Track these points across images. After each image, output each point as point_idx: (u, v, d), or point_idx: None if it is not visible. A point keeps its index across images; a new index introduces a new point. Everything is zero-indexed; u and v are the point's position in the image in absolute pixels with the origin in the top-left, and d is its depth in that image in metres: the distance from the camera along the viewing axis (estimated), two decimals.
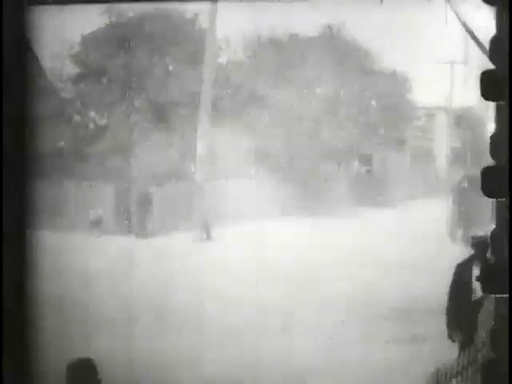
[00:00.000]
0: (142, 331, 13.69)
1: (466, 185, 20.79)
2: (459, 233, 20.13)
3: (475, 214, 20.28)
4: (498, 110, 4.87)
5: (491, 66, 4.83)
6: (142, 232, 19.97)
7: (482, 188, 4.68)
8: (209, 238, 19.89)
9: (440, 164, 23.10)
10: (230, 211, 19.84)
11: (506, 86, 4.74)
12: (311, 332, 13.62)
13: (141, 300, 14.90)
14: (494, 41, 4.85)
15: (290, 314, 14.38)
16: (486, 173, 4.65)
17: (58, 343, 11.80)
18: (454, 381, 9.55)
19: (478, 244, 11.27)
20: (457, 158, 22.60)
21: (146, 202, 20.33)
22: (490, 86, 4.74)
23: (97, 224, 20.08)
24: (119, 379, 11.38)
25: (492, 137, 4.88)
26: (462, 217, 20.24)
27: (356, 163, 23.30)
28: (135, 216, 20.15)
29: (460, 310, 11.14)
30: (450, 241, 19.62)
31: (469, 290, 10.80)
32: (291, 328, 14.03)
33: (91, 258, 16.81)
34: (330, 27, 22.07)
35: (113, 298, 14.97)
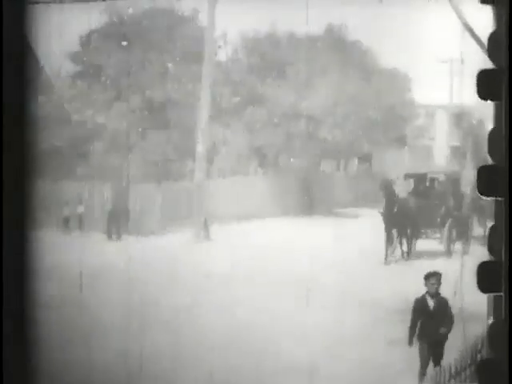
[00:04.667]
0: (141, 331, 13.67)
1: (406, 185, 18.89)
2: (391, 250, 17.72)
3: (413, 225, 18.09)
4: (496, 109, 4.84)
5: (490, 65, 4.80)
6: (114, 234, 19.78)
7: (478, 187, 4.64)
8: (207, 237, 19.82)
9: (439, 163, 23.04)
10: (229, 210, 19.79)
11: (503, 85, 4.70)
12: (311, 332, 13.61)
13: (138, 300, 14.88)
14: (493, 39, 4.81)
15: (289, 314, 14.36)
16: (482, 172, 4.62)
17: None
18: (452, 381, 9.52)
19: None
20: (456, 156, 22.55)
21: (120, 203, 20.15)
22: (486, 85, 4.71)
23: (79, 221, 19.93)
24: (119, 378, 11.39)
25: (490, 136, 4.85)
26: (398, 230, 17.84)
27: (355, 162, 23.26)
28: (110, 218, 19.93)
29: None
30: (383, 261, 17.28)
31: None
32: (292, 328, 14.01)
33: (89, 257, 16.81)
34: (329, 26, 22.03)
35: (112, 298, 14.96)
